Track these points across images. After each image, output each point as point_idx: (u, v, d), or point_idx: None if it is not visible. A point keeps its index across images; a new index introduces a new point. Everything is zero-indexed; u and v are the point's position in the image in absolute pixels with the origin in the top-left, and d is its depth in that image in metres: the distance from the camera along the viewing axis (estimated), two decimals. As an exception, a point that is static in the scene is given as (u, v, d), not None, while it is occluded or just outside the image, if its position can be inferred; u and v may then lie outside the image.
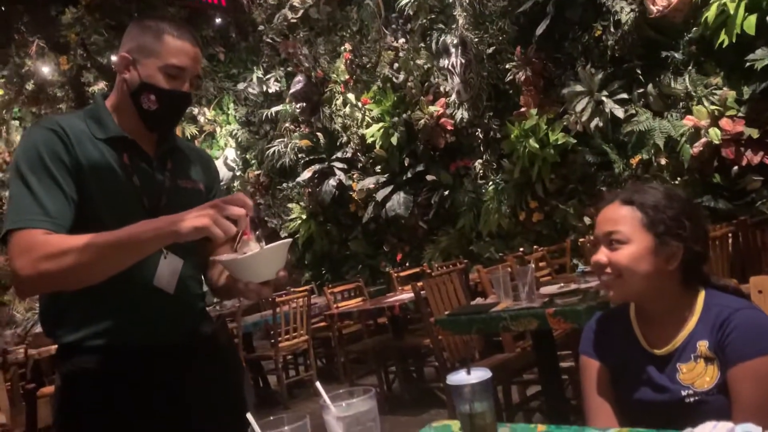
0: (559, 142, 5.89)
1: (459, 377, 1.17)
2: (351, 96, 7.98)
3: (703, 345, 1.26)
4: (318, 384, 1.11)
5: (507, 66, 6.35)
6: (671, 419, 1.09)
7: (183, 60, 1.41)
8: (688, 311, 1.31)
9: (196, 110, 9.33)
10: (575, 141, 5.91)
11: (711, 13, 4.91)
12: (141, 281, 1.40)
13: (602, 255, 1.33)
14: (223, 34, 9.20)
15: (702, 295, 1.32)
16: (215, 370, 1.51)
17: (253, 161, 9.58)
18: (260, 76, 9.12)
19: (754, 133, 4.84)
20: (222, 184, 2.43)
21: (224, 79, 9.45)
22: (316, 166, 8.29)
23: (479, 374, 1.17)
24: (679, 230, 1.30)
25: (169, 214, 1.41)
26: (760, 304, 1.44)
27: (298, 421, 1.00)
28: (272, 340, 5.39)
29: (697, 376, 1.26)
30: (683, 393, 1.25)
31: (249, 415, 1.05)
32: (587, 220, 5.91)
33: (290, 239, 1.35)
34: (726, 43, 4.86)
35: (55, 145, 1.33)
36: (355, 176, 8.10)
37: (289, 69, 8.65)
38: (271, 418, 1.03)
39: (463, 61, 6.75)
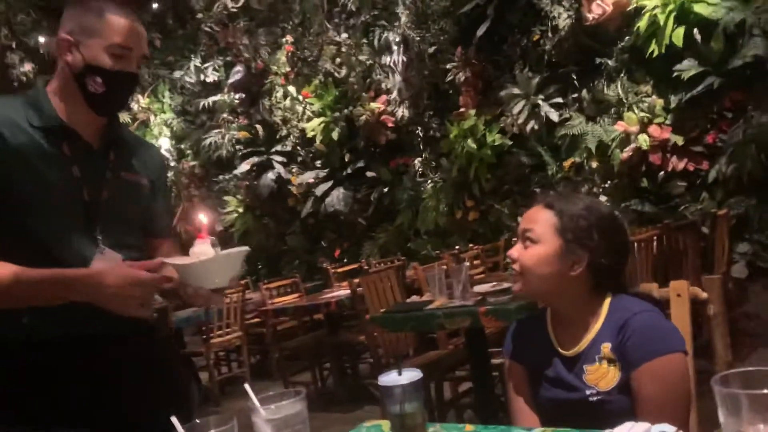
0: (495, 143, 6.00)
1: (390, 378, 1.17)
2: (292, 89, 7.89)
3: (606, 347, 1.32)
4: (247, 386, 1.08)
5: (447, 66, 6.41)
6: (579, 418, 1.14)
7: (129, 39, 1.34)
8: (594, 315, 1.37)
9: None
10: (511, 143, 6.03)
11: (643, 24, 5.10)
12: None
13: (515, 250, 1.41)
14: (159, 20, 8.93)
15: (608, 300, 1.38)
16: (149, 363, 1.45)
17: (188, 152, 9.35)
18: (198, 64, 8.89)
19: (679, 140, 5.06)
20: None
21: (160, 66, 9.17)
22: (255, 159, 8.16)
23: (410, 375, 1.17)
24: (586, 240, 1.35)
25: (111, 207, 1.40)
26: (678, 308, 1.49)
27: (224, 425, 0.98)
28: (204, 336, 5.27)
29: (601, 377, 1.31)
30: (587, 393, 1.31)
31: (174, 419, 1.02)
32: (520, 220, 6.03)
33: (247, 247, 1.30)
34: (656, 52, 5.06)
35: None
36: (294, 170, 8.02)
37: (228, 59, 8.48)
38: (197, 421, 1.00)
39: (405, 59, 6.79)
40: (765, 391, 0.69)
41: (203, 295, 1.27)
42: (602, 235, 1.36)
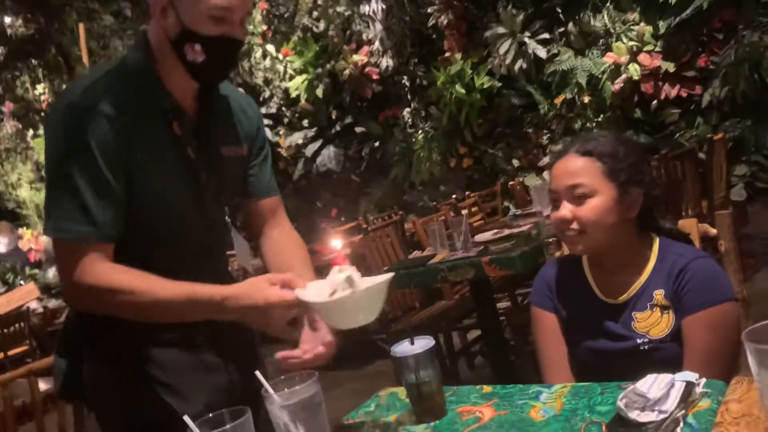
0: (484, 87, 5.90)
1: (403, 348, 1.15)
2: (270, 48, 7.71)
3: (659, 294, 1.26)
4: (257, 373, 1.05)
5: (429, 10, 6.25)
6: (626, 367, 1.08)
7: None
8: (642, 260, 1.30)
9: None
10: (500, 84, 5.94)
11: (626, -51, 4.96)
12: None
13: (566, 210, 1.28)
14: (128, -12, 8.66)
15: (656, 244, 1.32)
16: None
17: (173, 122, 9.22)
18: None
19: (671, 67, 4.98)
20: None
21: (133, 36, 8.94)
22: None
23: (422, 343, 1.15)
24: (639, 176, 1.28)
25: (225, 187, 1.29)
26: (687, 246, 1.46)
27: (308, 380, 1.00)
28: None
29: (653, 324, 1.26)
30: (639, 341, 1.26)
31: (258, 373, 1.01)
32: (516, 162, 6.00)
33: (392, 274, 1.09)
34: (641, -22, 4.93)
35: (107, 137, 1.11)
36: (281, 132, 7.91)
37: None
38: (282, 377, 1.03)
39: (384, 6, 6.61)
40: (799, 343, 0.67)
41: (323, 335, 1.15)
42: (648, 165, 1.30)
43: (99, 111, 1.11)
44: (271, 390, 1.02)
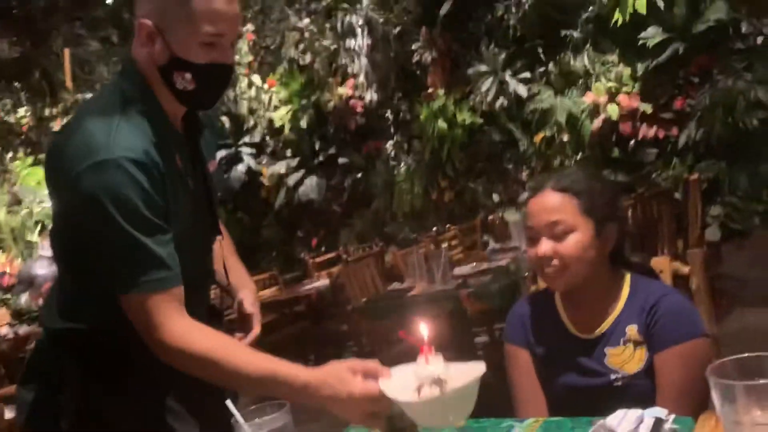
0: (466, 122, 5.99)
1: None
2: (256, 78, 7.76)
3: (632, 329, 1.27)
4: (228, 402, 1.04)
5: (413, 47, 6.35)
6: (600, 403, 1.08)
7: (221, 24, 1.10)
8: (615, 295, 1.31)
9: (89, 96, 8.83)
10: (482, 120, 6.02)
11: (605, -7, 5.10)
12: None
13: (547, 247, 1.28)
14: (115, 14, 8.69)
15: (628, 279, 1.33)
16: None
17: (156, 149, 9.18)
18: (159, 59, 8.70)
19: (648, 108, 5.09)
20: None
21: (119, 62, 8.97)
22: (223, 152, 8.02)
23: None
24: (614, 212, 1.31)
25: (208, 218, 1.26)
26: (661, 284, 1.48)
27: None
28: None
29: (626, 360, 1.27)
30: (612, 377, 1.26)
31: (229, 402, 0.99)
32: (496, 197, 6.05)
33: (482, 368, 0.95)
34: (620, 21, 5.06)
35: (146, 186, 1.07)
36: (264, 162, 7.92)
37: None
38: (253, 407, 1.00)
39: (370, 42, 6.71)
40: (760, 381, 0.68)
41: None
42: (620, 201, 1.34)
43: (130, 162, 1.06)
44: (241, 419, 1.00)
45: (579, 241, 1.26)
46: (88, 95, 8.63)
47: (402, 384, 0.98)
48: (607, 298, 1.31)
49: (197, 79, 1.13)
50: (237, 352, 1.10)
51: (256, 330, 1.34)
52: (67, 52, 8.02)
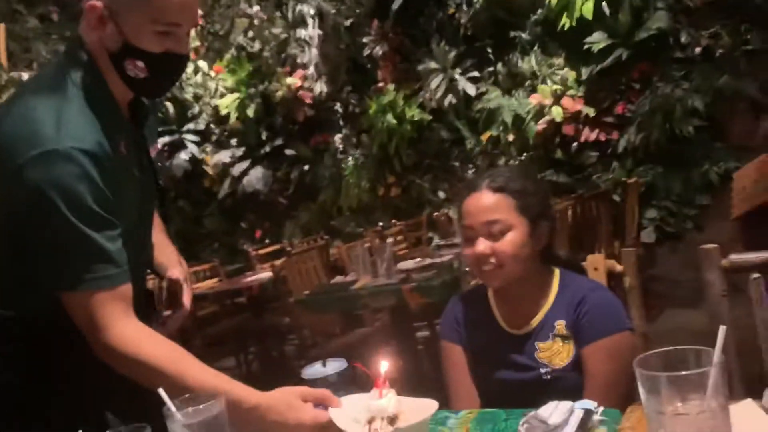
0: (415, 119, 6.02)
1: (315, 370, 1.14)
2: (203, 64, 7.59)
3: (560, 324, 1.31)
4: (161, 390, 1.01)
5: (364, 40, 6.34)
6: (530, 397, 1.11)
7: (178, 13, 1.06)
8: (545, 291, 1.36)
9: (26, 75, 8.44)
10: (431, 117, 6.06)
11: (554, -3, 5.20)
12: None
13: (484, 246, 1.31)
14: (57, -8, 8.37)
15: (557, 275, 1.37)
16: None
17: (95, 133, 8.88)
18: (101, 40, 8.41)
19: (591, 112, 5.22)
20: None
21: (58, 41, 8.61)
22: (166, 138, 7.81)
23: (335, 365, 1.13)
24: (546, 210, 1.36)
25: (149, 205, 1.23)
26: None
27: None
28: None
29: (555, 354, 1.31)
30: (542, 371, 1.30)
31: (161, 390, 0.95)
32: (442, 194, 6.11)
33: (435, 405, 0.96)
34: (567, 25, 5.18)
35: (95, 179, 1.02)
36: (208, 150, 7.76)
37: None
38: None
39: (321, 32, 6.65)
40: (683, 372, 0.71)
41: None
42: (551, 199, 1.39)
43: (80, 153, 1.01)
44: (174, 408, 0.98)
45: (515, 239, 1.30)
46: (24, 74, 8.28)
47: (353, 415, 0.97)
48: (538, 293, 1.36)
49: (150, 68, 1.09)
50: (188, 367, 1.06)
51: (187, 304, 1.32)
52: (2, 27, 7.65)
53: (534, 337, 1.33)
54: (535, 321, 1.34)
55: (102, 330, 1.05)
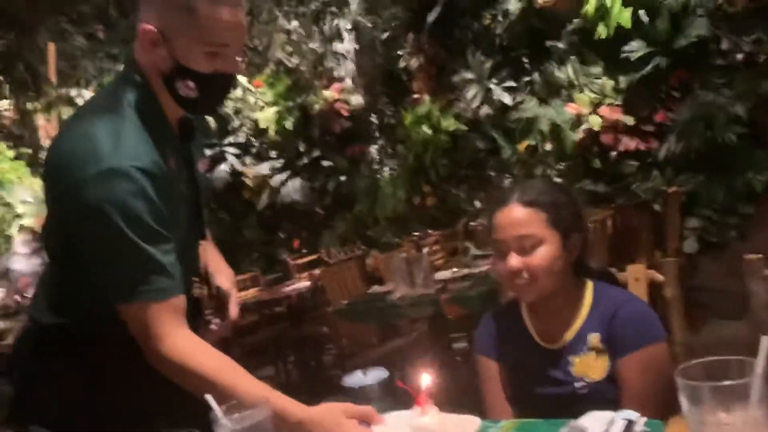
0: (450, 129, 6.02)
1: (355, 379, 1.15)
2: (242, 79, 7.74)
3: (594, 338, 1.30)
4: (209, 396, 1.05)
5: (400, 52, 6.38)
6: (566, 411, 1.11)
7: (227, 34, 1.10)
8: (578, 305, 1.35)
9: (74, 92, 8.72)
10: (466, 127, 6.06)
11: (591, 6, 5.16)
12: None
13: (516, 260, 1.31)
14: (101, 11, 8.63)
15: (590, 288, 1.36)
16: None
17: (139, 146, 9.09)
18: (145, 56, 8.62)
19: (630, 121, 5.15)
20: None
21: (104, 59, 8.88)
22: (207, 152, 7.99)
23: (376, 374, 1.15)
24: (579, 222, 1.34)
25: (198, 222, 1.29)
26: (636, 291, 1.52)
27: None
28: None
29: (590, 367, 1.30)
30: (577, 385, 1.30)
31: (209, 396, 0.99)
32: (478, 203, 6.10)
33: (477, 420, 0.99)
34: (604, 34, 5.13)
35: (152, 196, 1.09)
36: (248, 162, 7.89)
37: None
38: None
39: (357, 46, 6.73)
40: (725, 382, 0.71)
41: None
42: (583, 211, 1.36)
43: (137, 171, 1.07)
44: (220, 414, 1.01)
45: (547, 253, 1.30)
46: (72, 90, 8.56)
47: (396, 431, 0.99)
48: (571, 307, 1.35)
49: (200, 88, 1.13)
50: (237, 378, 1.10)
51: (234, 313, 1.37)
52: (51, 46, 7.93)
53: (568, 352, 1.33)
54: (569, 335, 1.34)
55: (156, 340, 1.10)
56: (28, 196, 7.95)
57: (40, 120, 8.26)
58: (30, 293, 7.23)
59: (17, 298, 7.17)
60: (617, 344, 1.27)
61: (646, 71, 5.06)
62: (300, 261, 6.25)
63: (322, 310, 3.93)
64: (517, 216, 1.32)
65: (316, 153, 7.34)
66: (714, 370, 0.74)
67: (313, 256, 6.23)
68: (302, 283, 4.98)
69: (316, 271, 4.07)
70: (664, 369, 1.24)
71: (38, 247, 7.96)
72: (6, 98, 8.32)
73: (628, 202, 4.25)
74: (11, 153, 8.26)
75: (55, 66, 7.86)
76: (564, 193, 1.37)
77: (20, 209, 8.01)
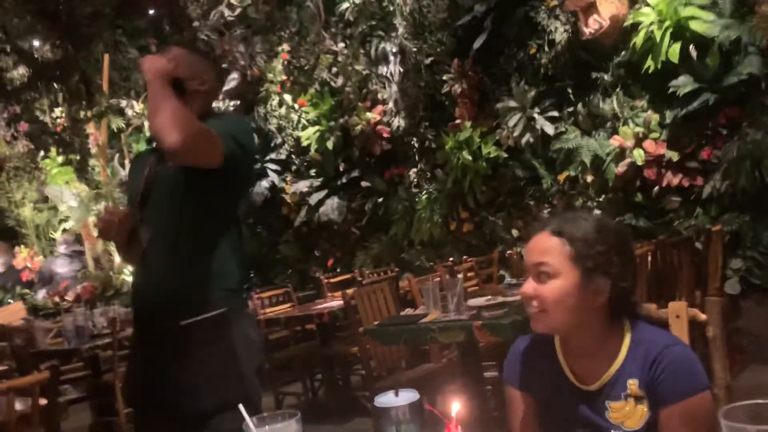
0: (491, 156, 6.00)
1: (386, 399, 1.15)
2: (287, 97, 7.87)
3: (633, 384, 1.24)
4: (241, 406, 1.06)
5: (444, 77, 6.42)
6: None
7: None
8: (615, 346, 1.27)
9: (124, 103, 9.00)
10: (506, 155, 6.04)
11: (639, 39, 5.12)
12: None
13: (529, 286, 1.28)
14: (156, 26, 8.91)
15: (629, 329, 1.29)
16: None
17: (183, 158, 9.27)
18: (194, 71, 8.84)
19: (674, 156, 5.07)
20: None
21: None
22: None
23: (407, 396, 1.14)
24: (607, 266, 1.25)
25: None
26: (677, 329, 1.46)
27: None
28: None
29: (627, 415, 1.24)
30: None
31: (241, 406, 1.05)
32: (515, 232, 6.04)
33: None
34: (652, 68, 5.08)
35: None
36: (288, 179, 7.99)
37: (224, 66, 8.45)
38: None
39: (402, 69, 6.79)
40: (772, 426, 0.69)
41: None
42: (621, 257, 1.26)
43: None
44: (252, 425, 1.02)
45: (559, 287, 1.25)
46: (122, 101, 8.82)
47: None
48: (607, 349, 1.28)
49: None
50: None
51: None
52: (106, 57, 8.21)
53: (604, 396, 1.26)
54: (605, 378, 1.26)
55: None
56: (73, 201, 8.18)
57: (91, 128, 8.52)
58: (70, 296, 7.40)
59: (57, 300, 7.35)
60: (659, 393, 1.20)
61: (693, 107, 4.98)
62: (333, 279, 6.27)
63: (353, 329, 3.93)
64: (542, 243, 1.29)
65: (355, 173, 7.40)
66: (758, 413, 0.72)
67: (347, 276, 6.24)
68: (334, 302, 4.99)
69: (349, 291, 4.08)
70: (708, 420, 1.17)
71: (78, 250, 8.17)
72: (59, 106, 8.61)
73: (670, 238, 4.16)
74: (60, 158, 8.54)
75: (108, 77, 8.12)
76: (604, 234, 1.27)
77: (66, 213, 8.25)
